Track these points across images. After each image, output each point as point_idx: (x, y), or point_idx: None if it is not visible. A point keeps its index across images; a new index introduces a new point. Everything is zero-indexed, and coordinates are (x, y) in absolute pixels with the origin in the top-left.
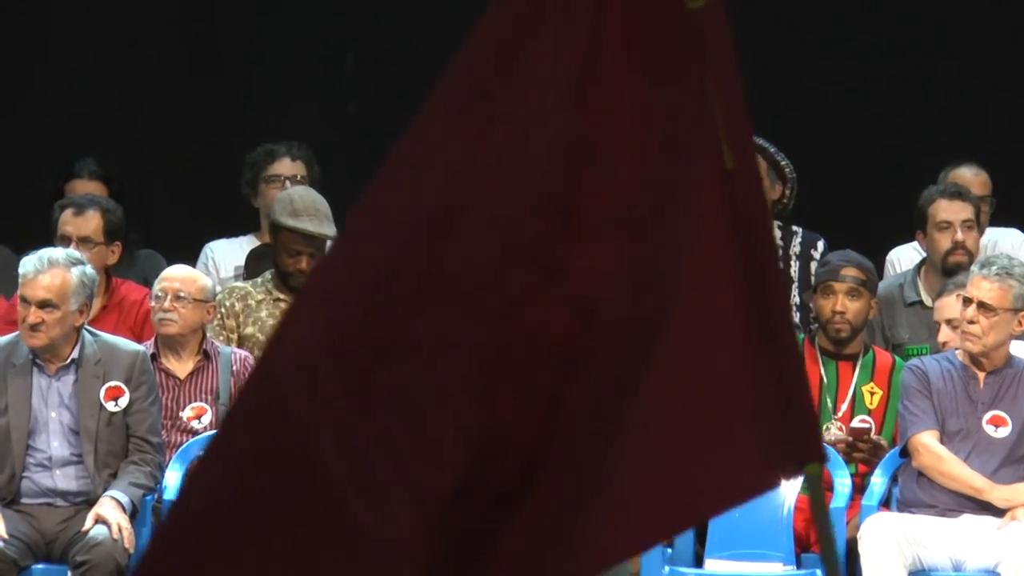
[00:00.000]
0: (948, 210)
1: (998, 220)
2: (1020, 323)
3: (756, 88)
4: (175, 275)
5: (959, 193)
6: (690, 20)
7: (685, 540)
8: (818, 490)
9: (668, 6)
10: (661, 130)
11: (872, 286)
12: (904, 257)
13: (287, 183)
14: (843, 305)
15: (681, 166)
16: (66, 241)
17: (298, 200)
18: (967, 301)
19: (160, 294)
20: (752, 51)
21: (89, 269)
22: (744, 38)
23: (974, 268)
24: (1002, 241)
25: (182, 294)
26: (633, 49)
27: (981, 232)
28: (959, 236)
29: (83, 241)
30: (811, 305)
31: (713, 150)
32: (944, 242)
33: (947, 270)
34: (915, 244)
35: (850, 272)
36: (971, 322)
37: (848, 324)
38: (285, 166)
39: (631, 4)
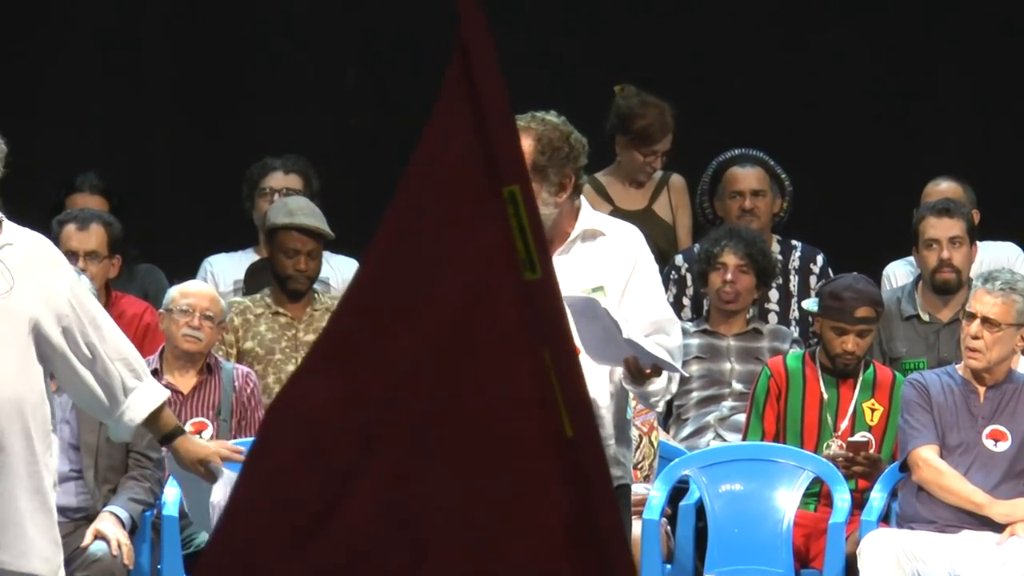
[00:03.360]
0: (936, 227)
1: (995, 234)
2: (1023, 338)
3: (757, 102)
4: (202, 292)
5: (947, 210)
6: (526, 290)
7: (685, 555)
8: None
9: (505, 277)
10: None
11: (880, 316)
12: (900, 272)
13: (276, 196)
14: (854, 344)
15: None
16: (72, 256)
17: (292, 203)
18: (971, 316)
19: (188, 309)
20: (753, 66)
21: None
22: (746, 52)
23: (977, 283)
24: (998, 256)
25: (209, 313)
26: (469, 327)
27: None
28: (945, 254)
29: (89, 255)
30: (817, 331)
31: (553, 420)
32: (931, 259)
33: (936, 287)
34: (910, 259)
35: (862, 313)
36: (975, 337)
37: (856, 358)
38: (277, 179)
39: (466, 273)
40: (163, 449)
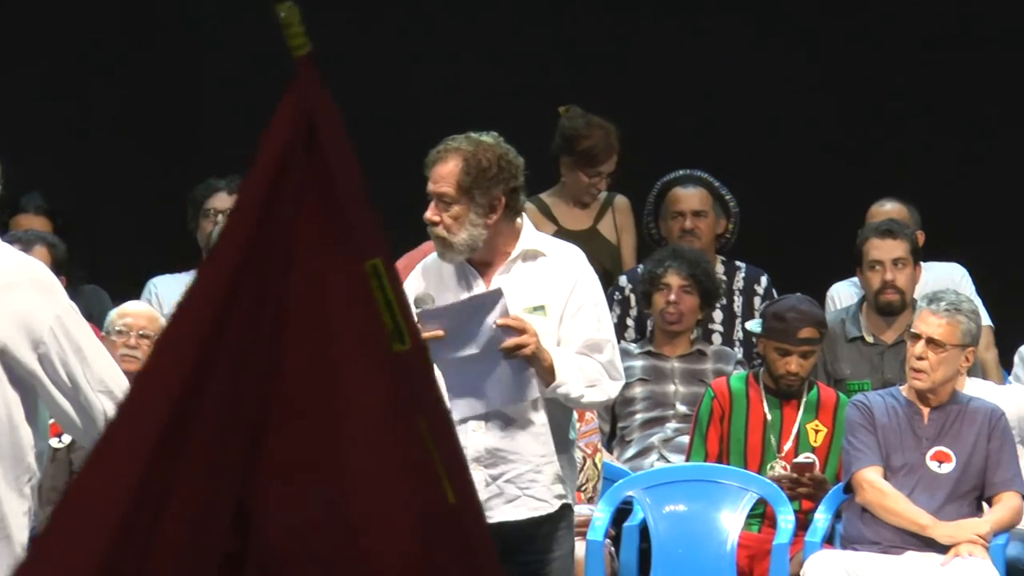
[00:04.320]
0: (879, 249)
1: (940, 255)
2: (967, 359)
3: (704, 124)
4: (139, 311)
5: (890, 231)
6: (397, 362)
7: (628, 574)
8: None
9: (376, 350)
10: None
11: (824, 337)
12: (844, 293)
13: (220, 217)
14: (798, 366)
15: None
16: None
17: None
18: (915, 337)
19: (123, 329)
20: (701, 85)
21: None
22: (693, 74)
23: (922, 304)
24: (943, 276)
25: (145, 332)
26: (339, 403)
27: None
28: (888, 275)
29: None
30: (761, 352)
31: (435, 487)
32: (875, 281)
33: (880, 309)
34: (855, 280)
35: (806, 334)
36: (920, 358)
37: (800, 379)
38: (221, 200)
39: (343, 338)
40: None
